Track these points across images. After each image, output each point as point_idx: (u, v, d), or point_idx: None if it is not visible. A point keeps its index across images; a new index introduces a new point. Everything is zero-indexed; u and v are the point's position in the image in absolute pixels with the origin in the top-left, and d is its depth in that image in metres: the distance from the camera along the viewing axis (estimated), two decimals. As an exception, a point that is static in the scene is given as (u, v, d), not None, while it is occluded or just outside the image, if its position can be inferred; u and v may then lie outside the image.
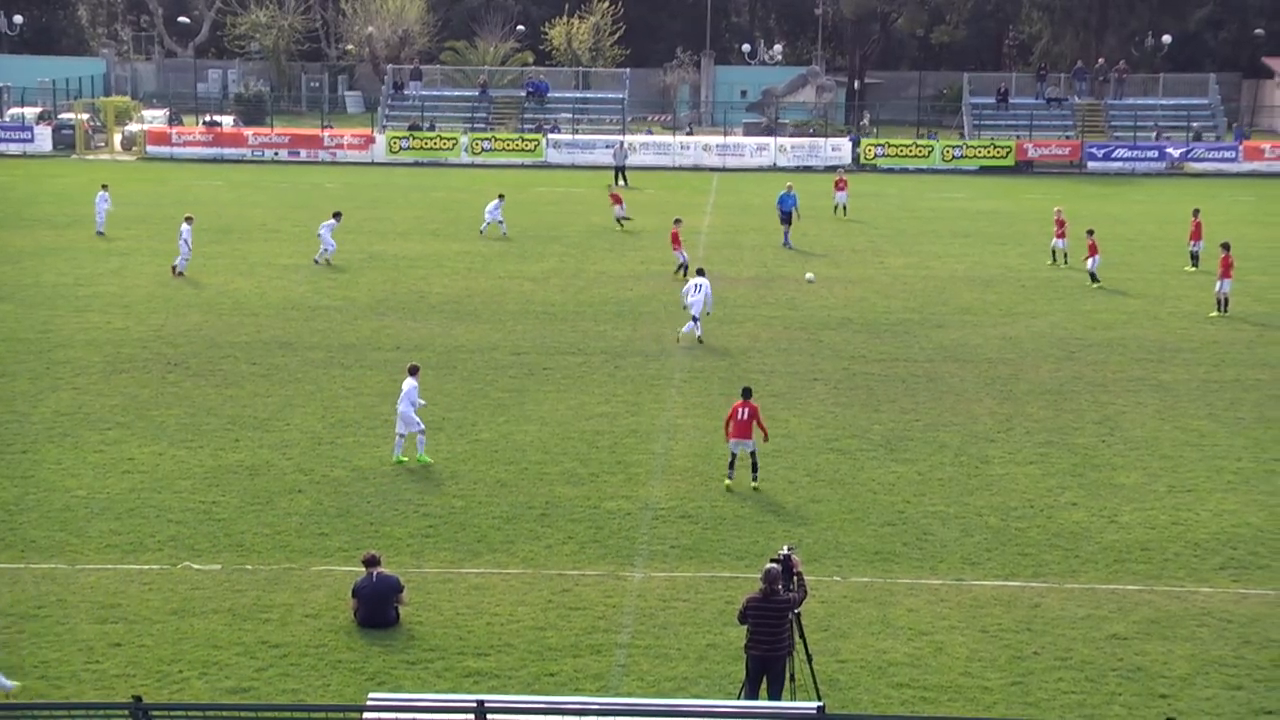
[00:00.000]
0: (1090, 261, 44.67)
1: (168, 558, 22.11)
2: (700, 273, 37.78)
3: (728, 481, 25.47)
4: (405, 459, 26.53)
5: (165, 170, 75.50)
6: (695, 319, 36.24)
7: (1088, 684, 18.35)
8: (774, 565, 17.02)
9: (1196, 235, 47.81)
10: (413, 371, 27.08)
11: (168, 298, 40.85)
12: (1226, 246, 40.02)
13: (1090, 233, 45.28)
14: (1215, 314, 39.63)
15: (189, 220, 45.00)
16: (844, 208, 59.93)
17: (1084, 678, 18.51)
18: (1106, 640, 19.57)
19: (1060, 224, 48.58)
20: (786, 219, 51.75)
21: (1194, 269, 46.88)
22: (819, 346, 36.12)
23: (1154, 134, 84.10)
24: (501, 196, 54.93)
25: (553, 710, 15.65)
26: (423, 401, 27.11)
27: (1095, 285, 44.10)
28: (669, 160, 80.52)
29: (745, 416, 25.45)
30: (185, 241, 44.11)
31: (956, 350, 35.95)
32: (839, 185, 60.60)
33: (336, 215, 47.52)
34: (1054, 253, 48.53)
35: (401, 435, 26.60)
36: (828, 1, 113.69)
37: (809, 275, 42.73)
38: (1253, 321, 39.41)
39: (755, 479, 25.45)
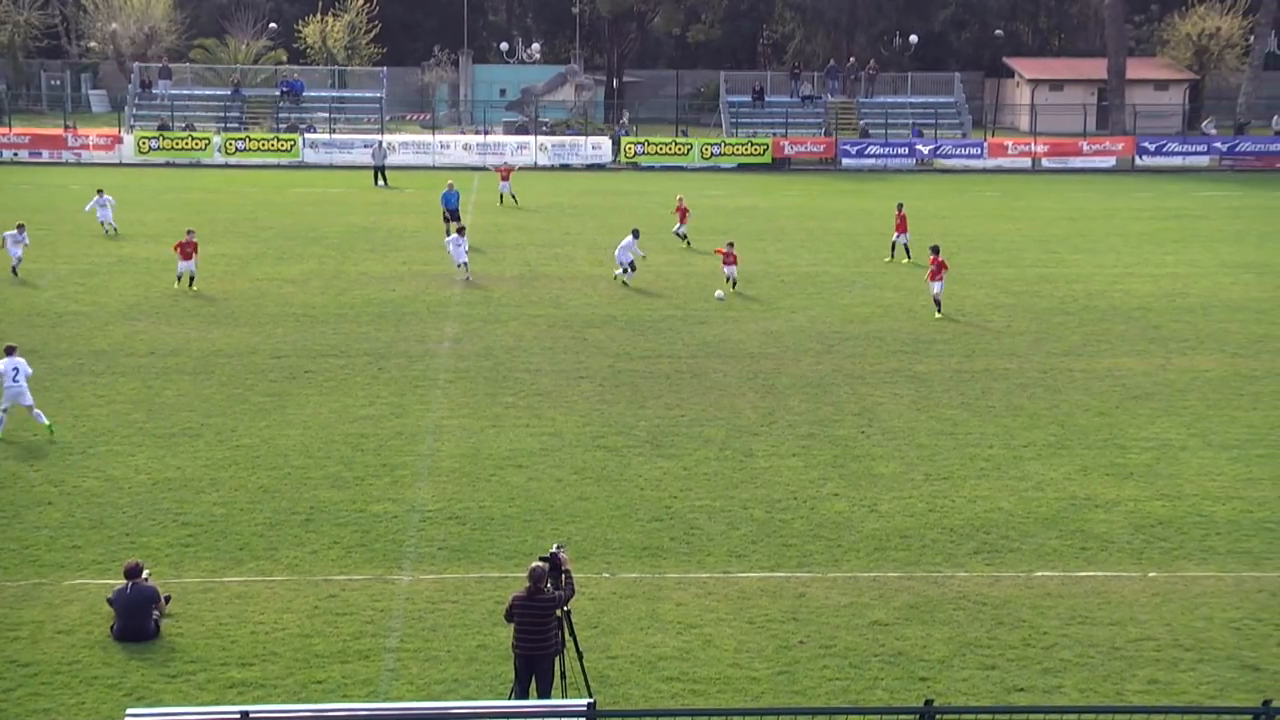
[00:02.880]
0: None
1: (-92, 577, 21.08)
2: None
3: None
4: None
5: (-102, 172, 72.06)
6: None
7: (851, 670, 18.74)
8: (539, 564, 16.98)
9: (902, 228, 48.98)
10: (10, 351, 28.08)
11: (-97, 305, 39.03)
12: (936, 249, 40.15)
13: (731, 244, 45.10)
14: (939, 315, 39.54)
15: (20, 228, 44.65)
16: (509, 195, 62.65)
17: (848, 664, 18.90)
18: (869, 627, 20.02)
19: (683, 211, 52.27)
20: (454, 216, 52.18)
21: (907, 260, 48.20)
22: (584, 344, 36.22)
23: (909, 131, 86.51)
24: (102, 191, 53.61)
25: (320, 718, 15.38)
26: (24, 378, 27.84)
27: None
28: (429, 159, 79.89)
29: None
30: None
31: (719, 346, 36.41)
32: (503, 174, 63.86)
33: (20, 227, 44.78)
34: (684, 237, 51.79)
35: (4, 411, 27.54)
36: (584, 0, 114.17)
37: (719, 293, 41.65)
38: (1001, 313, 40.80)
39: None
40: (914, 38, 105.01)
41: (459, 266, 43.95)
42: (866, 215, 60.61)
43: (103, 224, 52.53)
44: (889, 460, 27.38)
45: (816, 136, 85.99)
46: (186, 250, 42.11)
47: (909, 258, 48.18)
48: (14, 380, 27.60)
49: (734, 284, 42.89)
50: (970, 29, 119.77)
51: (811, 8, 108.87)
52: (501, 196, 61.97)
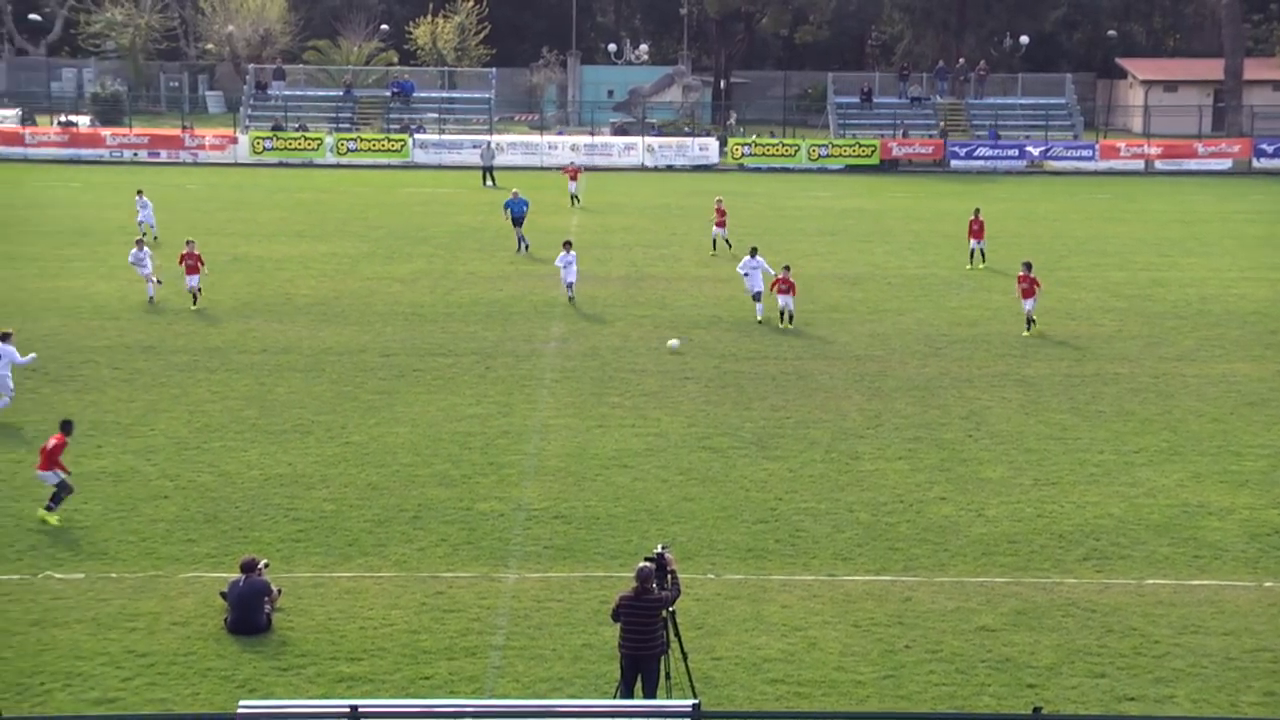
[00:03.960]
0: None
1: (28, 567, 21.57)
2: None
3: (48, 515, 23.36)
4: None
5: (19, 171, 73.70)
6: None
7: (958, 676, 18.61)
8: (647, 564, 17.03)
9: (978, 234, 47.73)
10: (4, 337, 28.58)
11: (23, 302, 39.87)
12: (1028, 266, 37.81)
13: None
14: (1027, 333, 37.39)
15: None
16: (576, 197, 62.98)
17: (954, 669, 18.77)
18: (975, 632, 19.86)
19: (721, 214, 50.44)
20: (518, 223, 50.35)
21: (982, 266, 47.12)
22: (690, 345, 36.22)
23: (991, 132, 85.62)
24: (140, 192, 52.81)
25: (427, 714, 15.54)
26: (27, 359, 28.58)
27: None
28: (537, 160, 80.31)
29: (51, 447, 23.61)
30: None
31: (825, 348, 36.29)
32: (571, 175, 64.13)
33: (138, 243, 42.16)
34: (714, 241, 50.23)
35: None
36: (692, 2, 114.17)
37: (672, 342, 35.59)
38: (1112, 316, 40.26)
39: (52, 508, 23.35)
40: (1024, 38, 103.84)
41: (567, 286, 41.19)
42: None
43: (141, 225, 50.62)
44: (996, 464, 27.13)
45: (925, 138, 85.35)
46: (190, 264, 39.68)
47: (983, 262, 47.38)
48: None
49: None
50: (1082, 29, 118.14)
51: (920, 8, 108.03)
52: (572, 198, 62.19)
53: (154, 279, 40.51)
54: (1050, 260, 49.16)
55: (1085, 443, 28.53)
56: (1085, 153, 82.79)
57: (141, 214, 51.37)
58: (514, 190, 52.11)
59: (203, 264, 40.22)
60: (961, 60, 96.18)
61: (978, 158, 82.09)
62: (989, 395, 31.94)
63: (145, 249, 41.44)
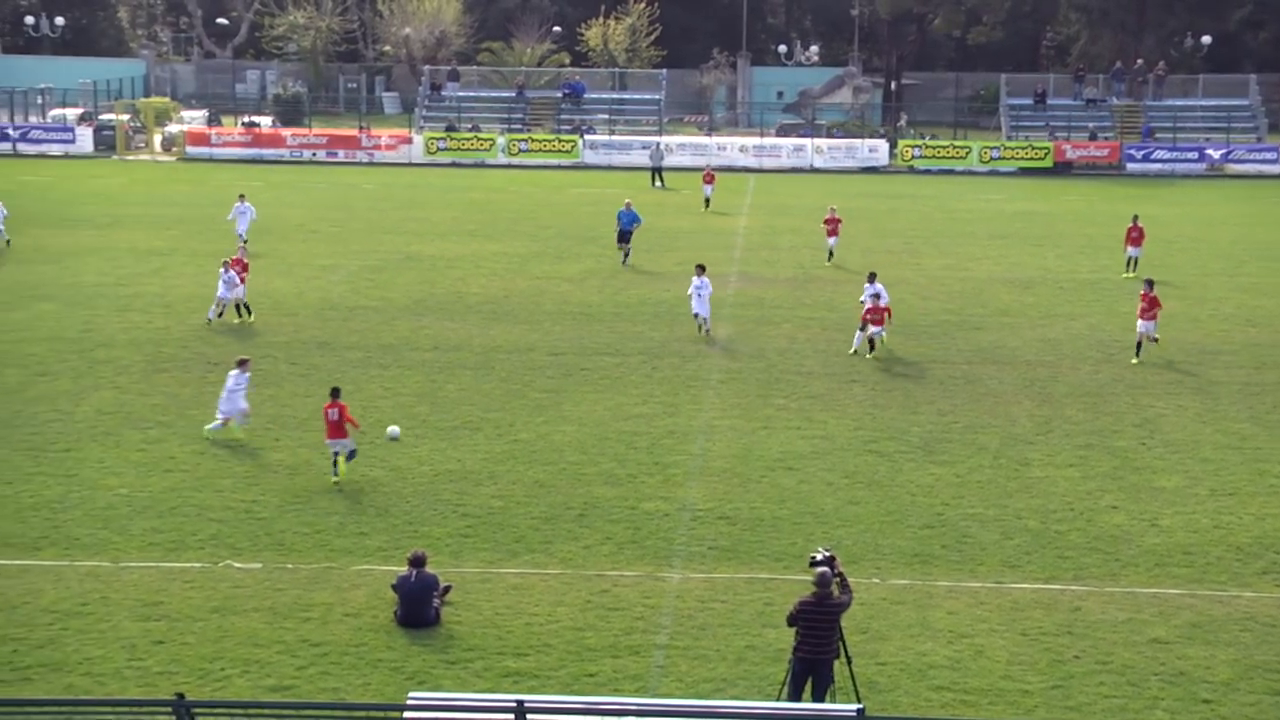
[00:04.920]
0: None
1: (209, 556, 22.25)
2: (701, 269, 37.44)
3: (334, 480, 25.58)
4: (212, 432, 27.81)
5: (205, 171, 75.88)
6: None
7: (1129, 688, 18.27)
8: (827, 569, 16.97)
9: (1134, 241, 46.30)
10: (241, 364, 28.30)
11: (207, 298, 40.98)
12: (1150, 284, 35.14)
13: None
14: (1136, 360, 34.68)
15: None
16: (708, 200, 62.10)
17: (1125, 682, 18.43)
18: (1148, 644, 19.48)
19: (834, 224, 48.26)
20: (625, 238, 47.95)
21: (1131, 275, 45.31)
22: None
23: (1145, 129, 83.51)
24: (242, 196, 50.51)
25: (591, 711, 15.70)
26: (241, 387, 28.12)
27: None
28: (706, 161, 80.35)
29: (336, 417, 25.68)
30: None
31: (995, 352, 35.84)
32: (707, 179, 62.91)
33: (226, 264, 38.32)
34: (829, 252, 48.30)
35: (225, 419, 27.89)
36: (864, 2, 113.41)
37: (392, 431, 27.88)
38: (1294, 324, 39.17)
39: (336, 477, 25.59)
40: (1206, 38, 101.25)
41: (696, 318, 37.20)
42: (1152, 221, 58.59)
43: (239, 236, 48.06)
44: (1171, 473, 26.56)
45: (1100, 140, 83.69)
46: (236, 273, 38.00)
47: (1134, 271, 45.61)
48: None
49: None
50: (1268, 28, 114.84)
51: (1098, 8, 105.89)
52: (705, 201, 61.81)
53: (230, 301, 37.71)
54: (1230, 265, 48.00)
55: (1265, 453, 27.80)
56: (1269, 155, 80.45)
57: (240, 222, 48.89)
58: (627, 201, 50.00)
59: (246, 274, 38.47)
60: (1139, 61, 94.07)
61: (1155, 160, 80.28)
62: (1164, 402, 31.26)
63: (232, 270, 37.74)
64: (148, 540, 22.81)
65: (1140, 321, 34.78)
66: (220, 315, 37.68)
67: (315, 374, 32.87)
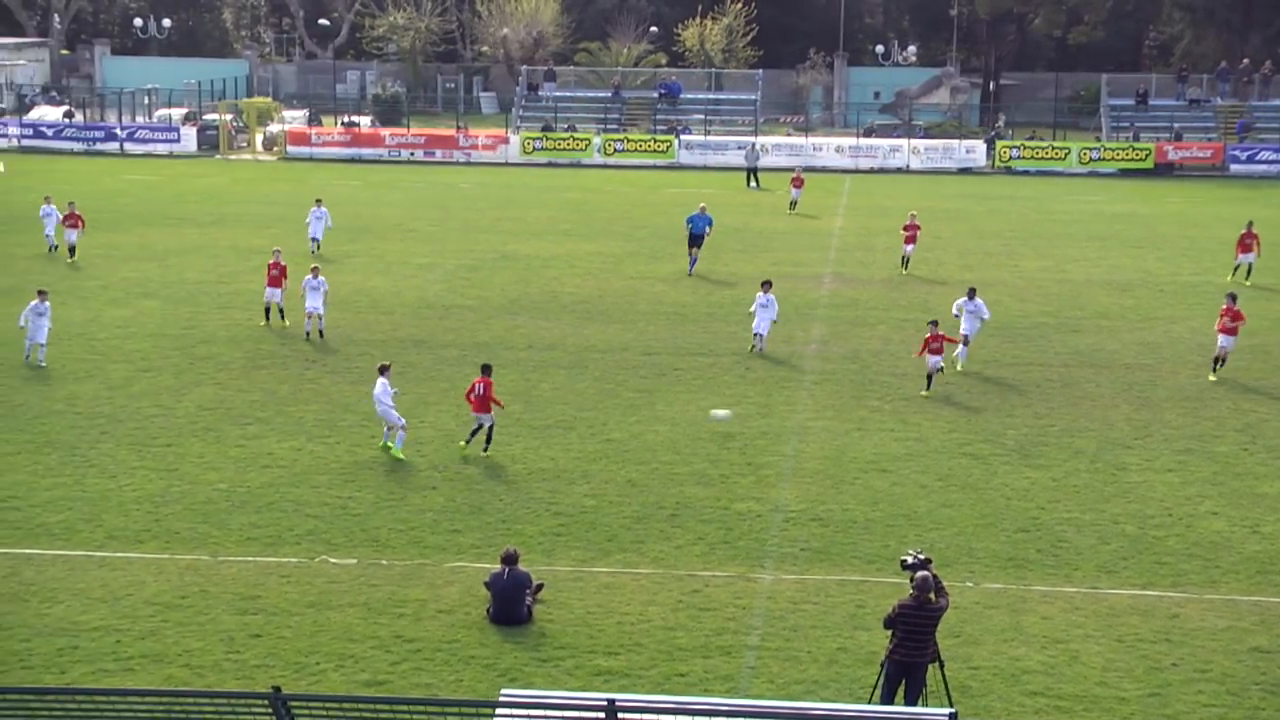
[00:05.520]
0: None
1: (306, 551, 22.53)
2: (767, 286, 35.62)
3: (464, 446, 27.16)
4: (392, 447, 27.18)
5: (305, 170, 76.80)
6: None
7: (1229, 698, 18.01)
8: (928, 573, 16.88)
9: (1246, 248, 44.93)
10: (383, 370, 27.51)
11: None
12: (1233, 298, 33.58)
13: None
14: (1213, 377, 33.03)
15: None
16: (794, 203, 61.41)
17: (1225, 691, 18.17)
18: (1249, 653, 19.19)
19: (913, 230, 46.31)
20: (696, 242, 45.77)
21: (1247, 283, 44.17)
22: (951, 349, 35.71)
23: (1240, 124, 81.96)
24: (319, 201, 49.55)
25: (683, 710, 15.67)
26: (396, 389, 27.73)
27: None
28: (800, 161, 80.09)
29: (482, 392, 26.92)
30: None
31: (1092, 355, 35.44)
32: (795, 183, 61.91)
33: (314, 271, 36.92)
34: (904, 259, 46.38)
35: (389, 429, 27.32)
36: (963, 2, 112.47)
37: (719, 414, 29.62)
38: (1402, 329, 38.37)
39: (486, 449, 27.07)
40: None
41: (756, 336, 35.35)
42: (1256, 224, 57.67)
43: (312, 240, 47.76)
44: (1274, 480, 26.13)
45: (1204, 141, 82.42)
46: (275, 276, 37.23)
47: (1248, 278, 44.69)
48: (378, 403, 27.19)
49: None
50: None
51: (1203, 7, 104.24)
52: (791, 203, 61.28)
53: (317, 313, 36.21)
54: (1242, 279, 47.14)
55: (1371, 460, 27.28)
56: (1378, 156, 78.85)
57: (313, 227, 48.12)
58: (701, 205, 47.62)
59: (285, 279, 37.23)
60: (1245, 61, 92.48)
61: (1260, 162, 78.94)
62: (1267, 407, 30.76)
63: (321, 278, 36.37)
64: (246, 535, 23.15)
65: (1220, 336, 32.95)
66: (310, 330, 36.24)
67: (411, 372, 33.15)
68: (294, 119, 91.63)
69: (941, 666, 17.20)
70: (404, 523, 23.79)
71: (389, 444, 27.13)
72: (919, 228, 46.80)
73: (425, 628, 19.84)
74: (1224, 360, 33.06)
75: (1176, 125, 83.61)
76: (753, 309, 35.52)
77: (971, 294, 34.78)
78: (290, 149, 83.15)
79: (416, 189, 68.68)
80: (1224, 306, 33.36)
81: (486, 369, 27.63)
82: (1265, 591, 21.19)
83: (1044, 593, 21.15)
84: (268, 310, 37.62)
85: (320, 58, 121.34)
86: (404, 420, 27.32)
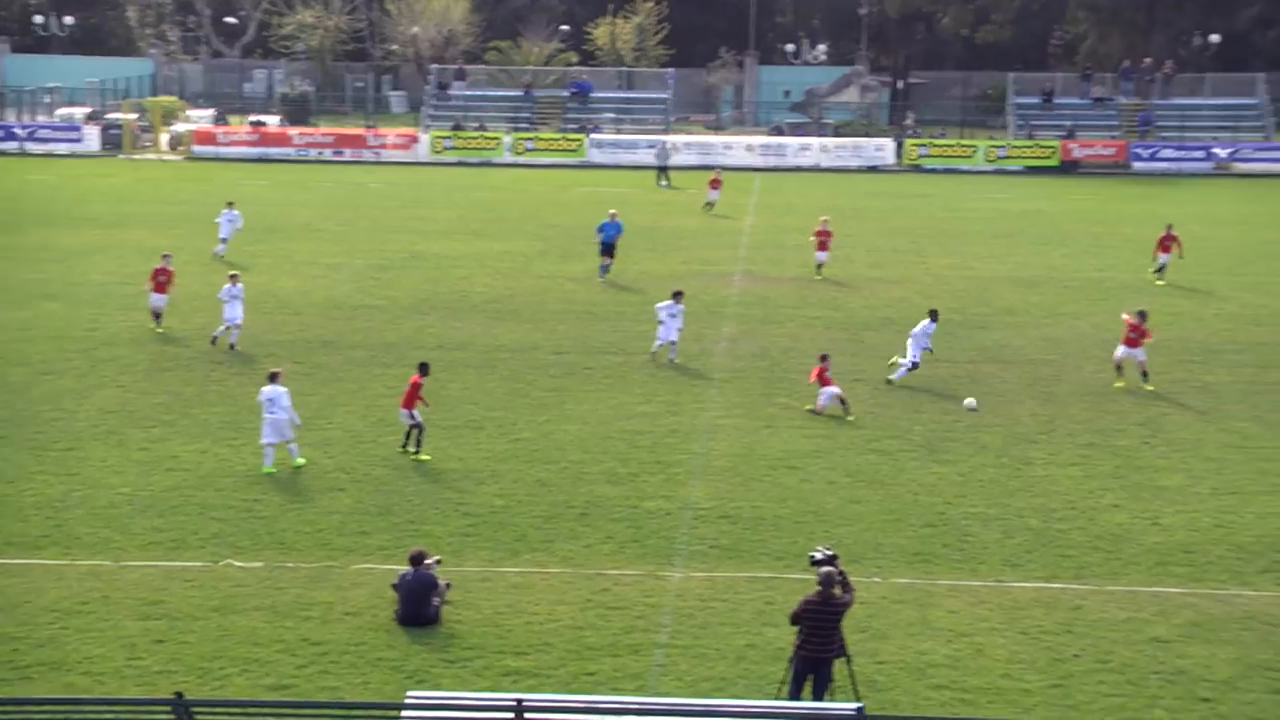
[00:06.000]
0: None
1: (210, 555, 22.27)
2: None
3: (410, 453, 27.06)
4: (274, 470, 25.89)
5: (211, 170, 75.97)
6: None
7: (1129, 687, 18.26)
8: (832, 569, 16.97)
9: (1166, 248, 44.75)
10: (273, 378, 26.36)
11: (211, 296, 40.98)
12: (1143, 315, 32.55)
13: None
14: (1120, 383, 32.34)
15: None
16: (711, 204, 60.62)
17: (1125, 681, 18.42)
18: (1148, 643, 19.46)
19: (824, 234, 45.42)
20: (609, 250, 44.48)
21: (1160, 282, 44.39)
22: (860, 347, 36.03)
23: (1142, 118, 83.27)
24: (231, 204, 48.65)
25: (591, 709, 15.70)
26: (297, 419, 26.39)
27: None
28: (712, 160, 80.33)
29: (407, 389, 27.12)
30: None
31: (999, 351, 35.81)
32: (713, 184, 61.18)
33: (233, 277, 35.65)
34: (818, 265, 45.40)
35: (271, 445, 25.92)
36: (872, 1, 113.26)
37: (968, 401, 30.70)
38: (1299, 323, 39.12)
39: (404, 447, 27.17)
40: (1215, 37, 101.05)
41: (666, 345, 34.16)
42: (1157, 220, 58.43)
43: (221, 241, 46.95)
44: (1173, 472, 26.53)
45: (1108, 139, 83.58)
46: (160, 281, 36.38)
47: (1161, 279, 44.68)
48: (271, 410, 26.02)
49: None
50: (1277, 27, 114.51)
51: (1107, 7, 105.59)
52: (707, 204, 61.14)
53: (236, 324, 35.00)
54: (1236, 264, 47.92)
55: (1268, 452, 27.77)
56: (1276, 154, 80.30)
57: (224, 229, 47.06)
58: (611, 212, 45.78)
59: (173, 284, 36.69)
60: (1148, 60, 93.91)
61: (1161, 159, 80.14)
62: (1167, 402, 31.23)
63: (239, 285, 35.25)
64: (149, 539, 22.85)
65: (1122, 347, 32.31)
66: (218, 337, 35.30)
67: (318, 373, 32.90)
68: (200, 118, 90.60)
69: (849, 661, 17.30)
70: (311, 525, 23.58)
71: (285, 461, 26.08)
72: (831, 234, 45.90)
73: (332, 630, 19.68)
74: (1128, 370, 32.32)
75: (1069, 124, 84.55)
76: (661, 318, 34.10)
77: (933, 316, 33.30)
78: (196, 148, 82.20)
79: (325, 188, 68.15)
80: (1129, 322, 32.47)
81: (422, 367, 27.75)
82: (1165, 582, 21.51)
83: (950, 587, 21.33)
84: (155, 315, 36.75)
85: (227, 56, 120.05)
86: (299, 421, 26.46)
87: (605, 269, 44.61)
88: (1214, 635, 19.70)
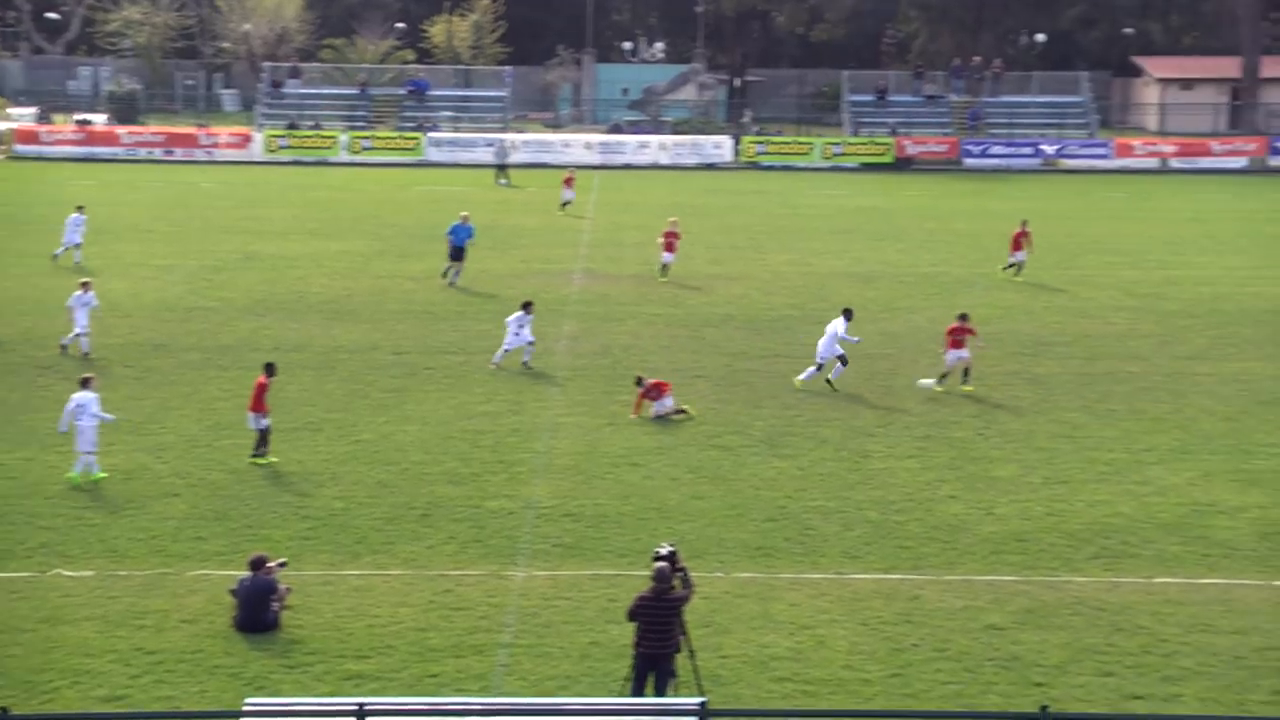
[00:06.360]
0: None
1: (38, 565, 21.63)
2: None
3: (259, 460, 26.40)
4: (80, 478, 25.03)
5: (34, 169, 73.98)
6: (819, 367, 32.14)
7: (966, 674, 18.58)
8: (665, 564, 17.01)
9: (1019, 245, 45.08)
10: (85, 383, 25.56)
11: (37, 299, 39.95)
12: (964, 317, 32.33)
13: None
14: (943, 386, 32.02)
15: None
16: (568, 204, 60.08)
17: (962, 668, 18.75)
18: (984, 630, 19.83)
19: (672, 235, 44.81)
20: (459, 254, 43.23)
21: (1018, 277, 44.88)
22: (701, 344, 36.24)
23: (972, 112, 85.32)
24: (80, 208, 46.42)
25: (434, 712, 15.56)
26: (110, 416, 25.63)
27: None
28: (551, 158, 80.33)
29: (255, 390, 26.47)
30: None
31: (837, 346, 36.19)
32: (567, 183, 60.67)
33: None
34: (663, 267, 44.78)
35: (86, 454, 25.04)
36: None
37: (923, 382, 31.97)
38: (1124, 315, 40.18)
39: (255, 455, 26.43)
40: (1041, 36, 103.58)
41: (515, 350, 33.43)
42: (989, 216, 59.97)
43: (65, 246, 45.29)
44: (1007, 463, 27.08)
45: (940, 136, 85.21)
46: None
47: (1018, 274, 45.14)
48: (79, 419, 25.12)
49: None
50: (1099, 27, 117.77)
51: (937, 6, 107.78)
52: (563, 204, 60.61)
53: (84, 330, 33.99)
54: (1063, 259, 49.06)
55: (1096, 441, 28.47)
56: (1100, 151, 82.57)
57: (68, 235, 45.31)
58: (462, 214, 44.66)
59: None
60: (977, 58, 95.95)
61: (992, 156, 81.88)
62: (1000, 393, 31.87)
63: (91, 293, 34.20)
64: (-26, 550, 22.14)
65: (950, 351, 31.85)
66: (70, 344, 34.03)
67: (150, 376, 32.20)
68: (21, 116, 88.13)
69: (692, 656, 17.35)
70: (144, 531, 23.04)
71: (86, 474, 24.97)
72: (678, 235, 45.31)
73: (167, 639, 19.24)
74: (967, 371, 31.99)
75: (892, 121, 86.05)
76: (510, 329, 33.33)
77: (848, 316, 32.77)
78: (17, 147, 79.98)
79: (156, 188, 66.72)
80: (953, 326, 32.04)
81: (268, 368, 26.95)
82: (999, 571, 21.94)
83: (791, 580, 21.53)
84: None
85: (50, 53, 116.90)
86: (111, 419, 25.59)
87: (457, 274, 43.10)
88: (1046, 621, 20.14)
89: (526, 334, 33.42)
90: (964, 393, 31.77)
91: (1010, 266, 45.61)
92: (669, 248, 44.82)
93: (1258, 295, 43.07)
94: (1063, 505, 24.77)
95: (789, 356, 34.95)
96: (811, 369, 32.29)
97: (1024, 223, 46.21)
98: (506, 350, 33.48)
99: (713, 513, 24.28)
